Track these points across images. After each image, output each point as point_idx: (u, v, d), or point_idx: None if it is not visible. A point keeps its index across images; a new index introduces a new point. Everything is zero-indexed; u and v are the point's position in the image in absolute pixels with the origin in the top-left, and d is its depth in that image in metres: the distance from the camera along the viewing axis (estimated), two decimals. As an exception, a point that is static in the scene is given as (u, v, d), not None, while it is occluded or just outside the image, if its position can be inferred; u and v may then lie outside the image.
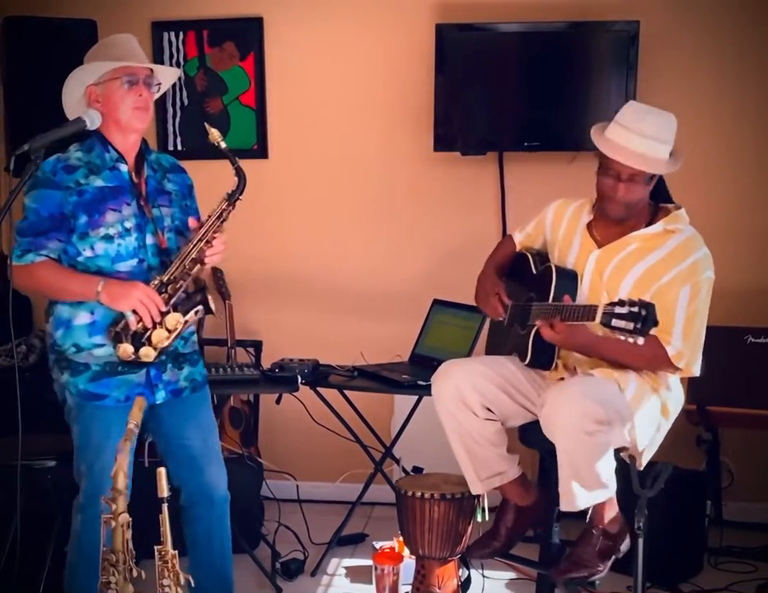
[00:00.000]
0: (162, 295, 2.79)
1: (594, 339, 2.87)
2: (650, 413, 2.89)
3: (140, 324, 2.78)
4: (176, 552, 2.41)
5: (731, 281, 4.20)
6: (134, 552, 2.39)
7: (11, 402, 2.69)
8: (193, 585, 2.47)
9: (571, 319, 2.79)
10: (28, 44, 4.06)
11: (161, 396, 2.91)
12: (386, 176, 4.53)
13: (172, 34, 4.53)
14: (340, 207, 4.58)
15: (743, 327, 3.99)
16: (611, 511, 2.87)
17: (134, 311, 2.76)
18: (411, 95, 4.42)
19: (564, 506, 2.81)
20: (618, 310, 2.59)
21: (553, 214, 3.16)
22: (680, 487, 3.52)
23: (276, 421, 4.49)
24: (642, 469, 2.91)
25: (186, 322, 2.83)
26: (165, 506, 2.38)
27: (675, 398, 2.99)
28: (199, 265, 2.84)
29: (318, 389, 3.86)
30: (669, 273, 2.89)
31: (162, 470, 2.39)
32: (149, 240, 2.87)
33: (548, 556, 3.10)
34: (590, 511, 2.87)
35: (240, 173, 2.87)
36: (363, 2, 4.45)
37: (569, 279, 2.99)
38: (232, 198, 2.86)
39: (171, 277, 2.81)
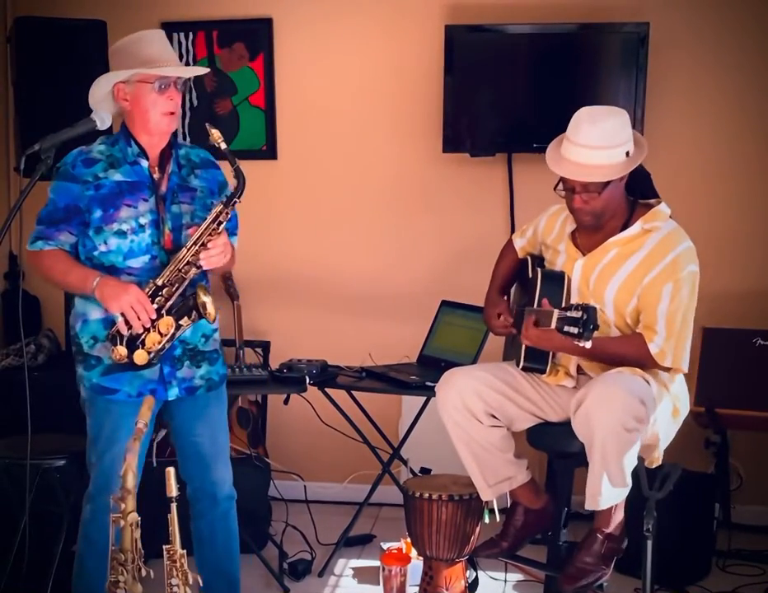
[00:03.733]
0: (158, 298, 2.77)
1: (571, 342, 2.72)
2: (666, 410, 2.88)
3: (130, 328, 2.75)
4: (185, 551, 2.42)
5: (739, 283, 4.23)
6: (143, 551, 2.40)
7: (20, 401, 2.71)
8: (201, 584, 2.47)
9: (542, 325, 2.77)
10: (38, 45, 4.06)
11: (173, 393, 2.89)
12: (395, 177, 4.53)
13: (182, 34, 4.54)
14: (349, 208, 4.58)
15: (752, 329, 3.98)
16: (619, 515, 2.86)
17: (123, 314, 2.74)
18: (420, 96, 4.42)
19: (589, 505, 2.80)
20: (568, 314, 2.59)
21: (545, 221, 3.14)
22: (688, 490, 3.51)
23: (284, 421, 4.50)
24: (654, 466, 2.91)
25: (180, 326, 2.80)
26: (174, 506, 2.39)
27: (683, 399, 2.98)
28: (194, 268, 2.79)
29: (326, 389, 3.86)
30: (651, 272, 2.84)
31: (171, 470, 2.40)
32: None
33: (555, 558, 3.09)
34: (596, 515, 2.86)
35: (239, 174, 2.81)
36: (373, 3, 4.46)
37: (555, 281, 2.96)
38: (230, 201, 2.80)
39: (166, 281, 2.78)
